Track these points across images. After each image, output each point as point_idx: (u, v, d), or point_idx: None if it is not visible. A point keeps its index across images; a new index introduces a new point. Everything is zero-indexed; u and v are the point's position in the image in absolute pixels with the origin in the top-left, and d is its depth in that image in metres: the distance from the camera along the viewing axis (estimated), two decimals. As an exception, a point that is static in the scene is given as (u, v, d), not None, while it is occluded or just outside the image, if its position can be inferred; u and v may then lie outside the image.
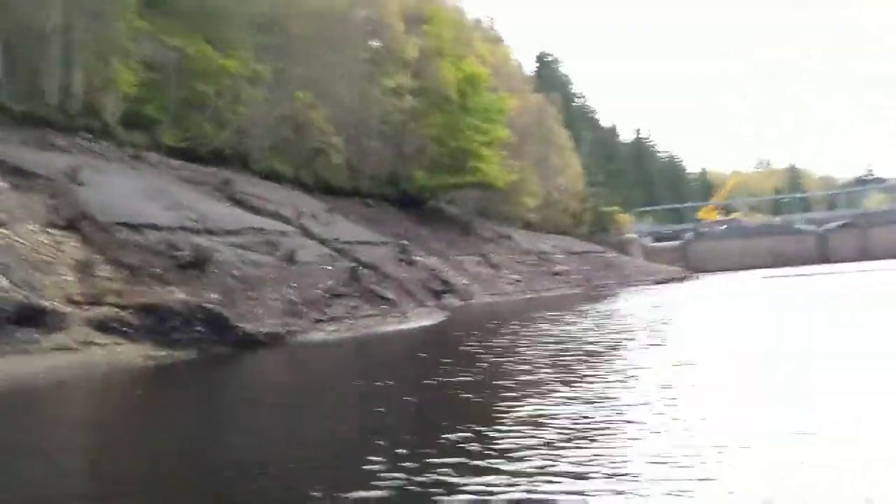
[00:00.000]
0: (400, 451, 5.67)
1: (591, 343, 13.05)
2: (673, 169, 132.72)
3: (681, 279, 52.02)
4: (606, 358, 11.15)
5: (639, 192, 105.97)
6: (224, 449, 6.63)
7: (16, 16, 20.44)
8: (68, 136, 21.12)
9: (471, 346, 14.06)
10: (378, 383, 10.45)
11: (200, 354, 14.22)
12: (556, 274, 46.46)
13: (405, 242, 27.14)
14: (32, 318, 12.62)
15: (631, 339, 13.92)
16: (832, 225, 77.89)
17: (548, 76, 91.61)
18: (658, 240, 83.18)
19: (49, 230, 15.08)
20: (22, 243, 14.24)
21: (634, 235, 78.51)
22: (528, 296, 41.38)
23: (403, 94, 37.19)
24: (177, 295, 14.57)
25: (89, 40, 22.25)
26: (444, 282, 36.67)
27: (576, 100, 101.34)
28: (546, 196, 64.12)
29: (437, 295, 26.54)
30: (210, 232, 17.16)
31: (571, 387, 8.27)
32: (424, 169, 41.57)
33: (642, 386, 8.38)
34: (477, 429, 6.31)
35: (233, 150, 28.88)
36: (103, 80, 22.87)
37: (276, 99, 30.78)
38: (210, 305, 14.73)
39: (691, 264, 70.71)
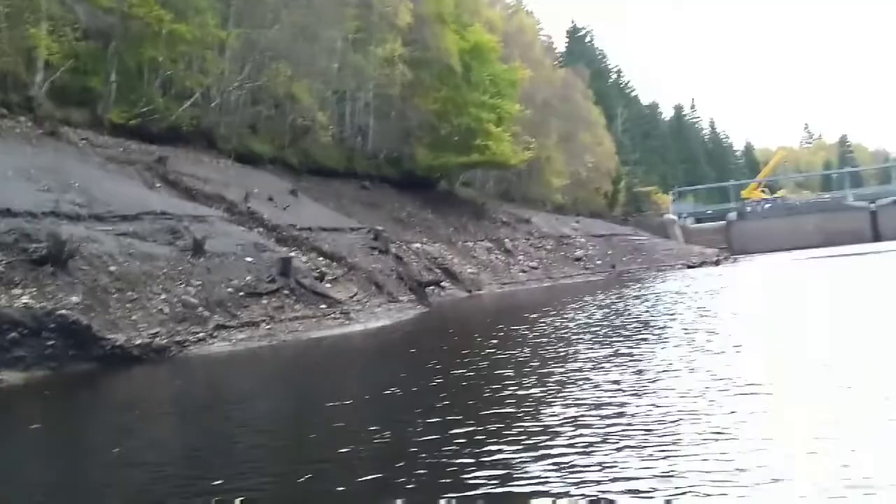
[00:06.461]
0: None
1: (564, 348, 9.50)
2: (717, 146, 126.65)
3: (715, 262, 47.63)
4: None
5: (680, 171, 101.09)
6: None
7: None
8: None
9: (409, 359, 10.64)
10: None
11: (52, 375, 11.11)
12: (577, 259, 42.61)
13: (380, 228, 23.63)
14: None
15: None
16: (885, 201, 72.12)
17: (579, 51, 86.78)
18: (700, 220, 78.33)
19: None
20: None
21: (673, 216, 74.11)
22: (546, 284, 38.05)
23: (397, 64, 33.49)
24: (21, 300, 11.41)
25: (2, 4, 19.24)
26: (446, 270, 33.20)
27: (611, 75, 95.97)
28: (574, 175, 60.03)
29: (422, 287, 23.05)
30: (97, 218, 13.96)
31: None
32: (429, 148, 37.90)
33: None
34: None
35: (195, 128, 25.65)
36: (19, 49, 19.84)
37: (244, 70, 27.52)
38: (66, 312, 11.55)
39: (735, 245, 66.80)
